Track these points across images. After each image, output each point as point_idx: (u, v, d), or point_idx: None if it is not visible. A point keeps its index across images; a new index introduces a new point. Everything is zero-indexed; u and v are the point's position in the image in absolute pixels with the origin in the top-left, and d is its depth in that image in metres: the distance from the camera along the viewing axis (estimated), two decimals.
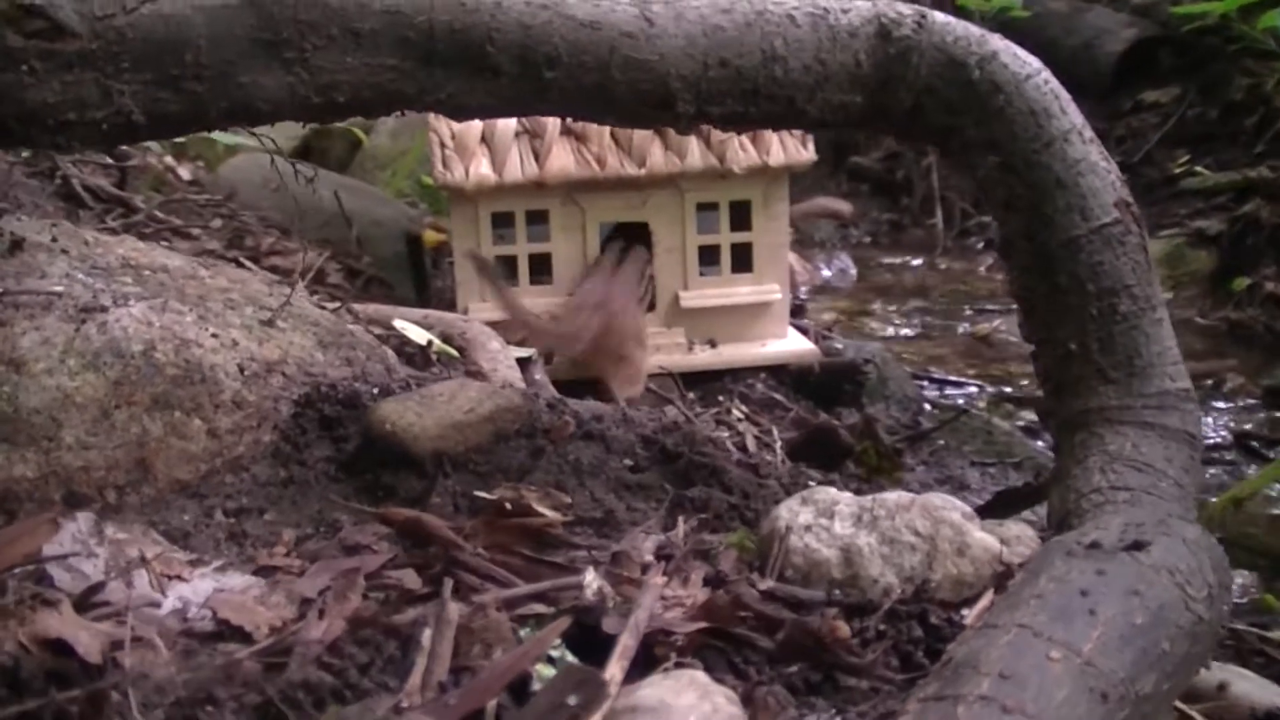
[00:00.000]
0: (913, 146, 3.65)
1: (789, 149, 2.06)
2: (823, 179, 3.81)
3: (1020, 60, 1.31)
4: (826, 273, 3.25)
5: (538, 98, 1.24)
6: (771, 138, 2.05)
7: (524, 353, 1.82)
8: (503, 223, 2.05)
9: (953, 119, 1.30)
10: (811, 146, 2.07)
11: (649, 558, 1.07)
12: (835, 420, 2.01)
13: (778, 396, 2.07)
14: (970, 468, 1.96)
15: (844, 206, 2.71)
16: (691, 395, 2.03)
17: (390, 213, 2.44)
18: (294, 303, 1.38)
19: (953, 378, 2.38)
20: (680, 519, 1.16)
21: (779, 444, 1.85)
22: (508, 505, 1.13)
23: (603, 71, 1.23)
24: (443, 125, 2.00)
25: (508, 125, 2.01)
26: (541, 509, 1.14)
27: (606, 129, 2.02)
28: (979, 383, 2.34)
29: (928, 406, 2.20)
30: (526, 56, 1.22)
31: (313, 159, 2.94)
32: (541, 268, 2.07)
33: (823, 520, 1.13)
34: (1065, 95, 1.33)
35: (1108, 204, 1.29)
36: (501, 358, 1.74)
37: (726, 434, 1.85)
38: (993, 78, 1.29)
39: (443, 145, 2.01)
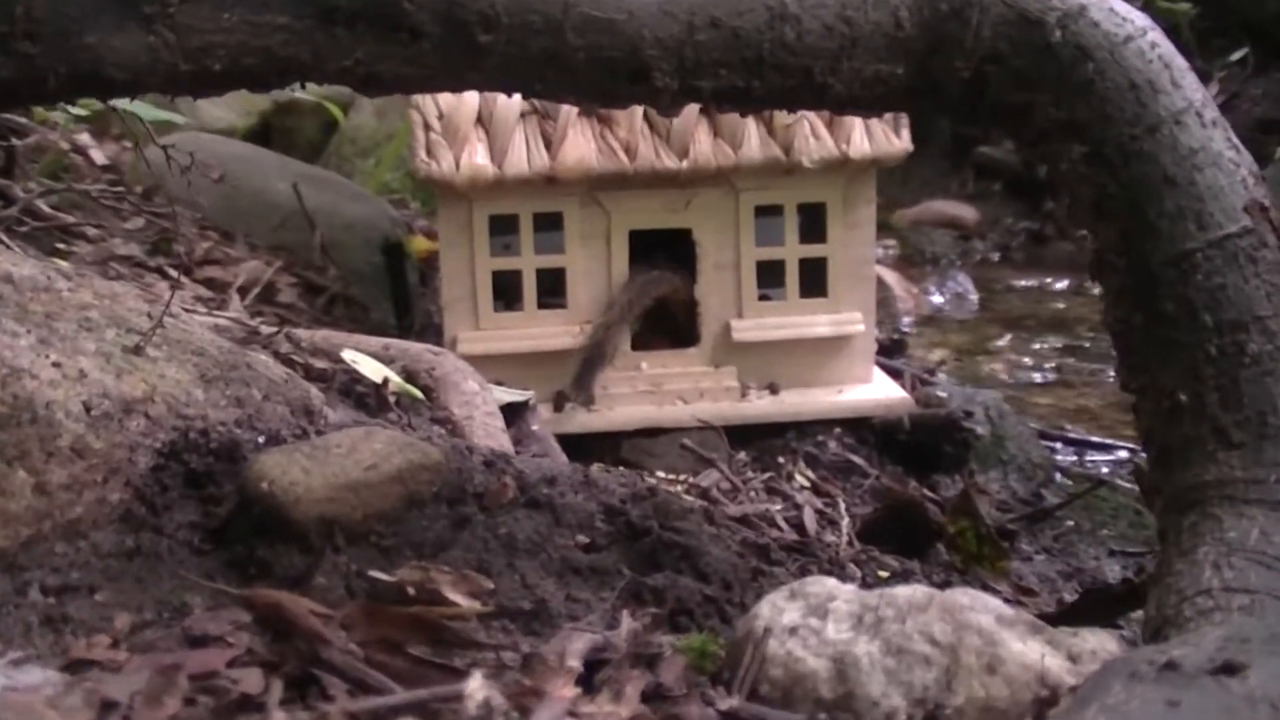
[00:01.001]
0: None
1: (876, 136, 2.05)
2: (940, 175, 3.78)
3: (1117, 18, 1.29)
4: (938, 299, 3.21)
5: (471, 66, 1.25)
6: (854, 122, 2.03)
7: (515, 396, 1.82)
8: (504, 228, 2.06)
9: (1025, 95, 1.28)
10: (906, 134, 2.06)
11: (574, 663, 1.07)
12: (930, 492, 2.01)
13: (856, 460, 2.07)
14: (1108, 558, 1.94)
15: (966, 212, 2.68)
16: (742, 455, 2.02)
17: (368, 212, 2.44)
18: (178, 325, 1.40)
19: (1095, 438, 2.35)
20: (626, 613, 1.15)
21: (846, 520, 1.84)
22: (410, 590, 1.12)
23: (554, 34, 1.24)
24: (428, 100, 2.02)
25: (511, 103, 2.02)
26: (454, 595, 1.14)
27: (639, 109, 2.02)
28: (1131, 445, 2.30)
29: (1059, 476, 2.18)
30: (454, 14, 1.23)
31: (275, 142, 3.02)
32: (553, 286, 2.08)
33: (813, 620, 1.11)
34: (1180, 63, 1.30)
35: (1234, 208, 1.26)
36: (480, 401, 1.75)
37: (778, 506, 1.85)
38: (1079, 40, 1.27)
39: (426, 127, 2.03)
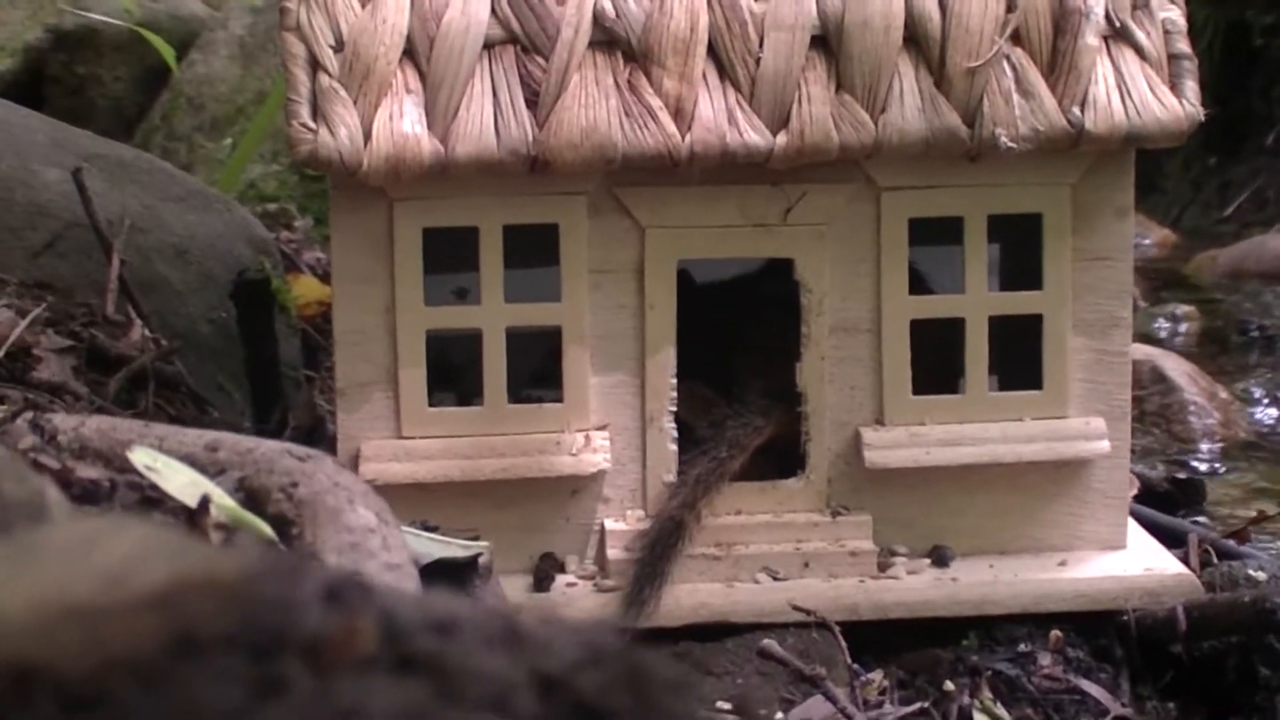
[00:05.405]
0: None
1: (1135, 94, 1.55)
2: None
3: None
4: (1270, 412, 2.70)
5: None
6: (1092, 66, 1.54)
7: (454, 549, 1.37)
8: (452, 255, 1.58)
9: None
10: (1192, 88, 1.56)
11: None
12: None
13: (1088, 688, 1.62)
14: None
15: None
16: (875, 674, 1.62)
17: (214, 230, 2.01)
18: None
19: None
20: None
21: None
22: None
23: None
24: (315, 16, 1.48)
25: (465, 24, 1.51)
26: None
27: (699, 40, 1.51)
28: None
29: None
30: None
31: (52, 100, 2.55)
32: (540, 362, 1.62)
33: None
34: None
35: None
36: (377, 545, 1.32)
37: None
38: None
39: (313, 64, 1.50)
